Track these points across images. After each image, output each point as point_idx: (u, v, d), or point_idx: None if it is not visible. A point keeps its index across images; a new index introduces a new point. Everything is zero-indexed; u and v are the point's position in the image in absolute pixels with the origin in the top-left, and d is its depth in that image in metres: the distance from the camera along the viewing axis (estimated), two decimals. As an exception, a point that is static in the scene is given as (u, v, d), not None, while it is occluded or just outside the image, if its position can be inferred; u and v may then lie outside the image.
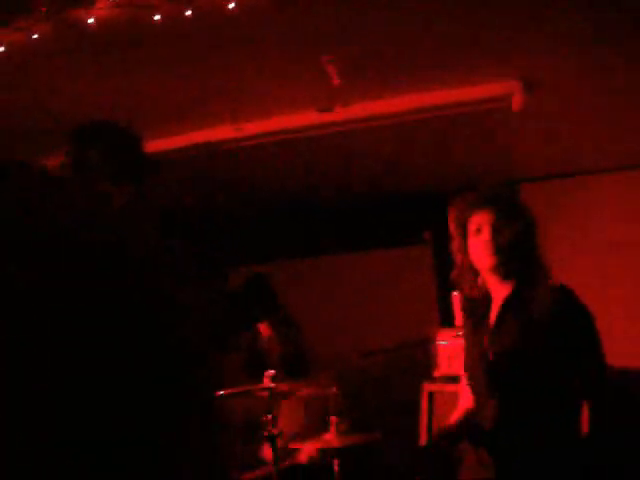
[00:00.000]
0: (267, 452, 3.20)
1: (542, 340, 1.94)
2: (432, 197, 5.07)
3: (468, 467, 2.03)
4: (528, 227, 2.08)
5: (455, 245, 2.17)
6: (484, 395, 2.04)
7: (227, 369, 4.03)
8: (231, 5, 2.43)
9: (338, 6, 2.57)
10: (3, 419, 1.21)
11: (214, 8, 2.45)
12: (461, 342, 3.96)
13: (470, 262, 2.11)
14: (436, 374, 3.97)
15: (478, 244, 2.06)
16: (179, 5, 2.43)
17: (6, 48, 2.59)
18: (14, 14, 2.44)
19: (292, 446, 3.28)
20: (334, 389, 3.24)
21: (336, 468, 3.11)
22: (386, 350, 4.32)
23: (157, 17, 2.47)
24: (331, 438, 3.08)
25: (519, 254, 2.04)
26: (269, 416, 3.04)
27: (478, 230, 2.07)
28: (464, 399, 2.24)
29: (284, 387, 3.19)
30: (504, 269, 2.04)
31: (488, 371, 2.00)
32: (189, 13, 2.45)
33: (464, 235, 2.13)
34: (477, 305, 2.16)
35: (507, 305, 2.04)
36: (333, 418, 3.10)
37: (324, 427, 3.14)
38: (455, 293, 4.24)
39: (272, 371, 3.12)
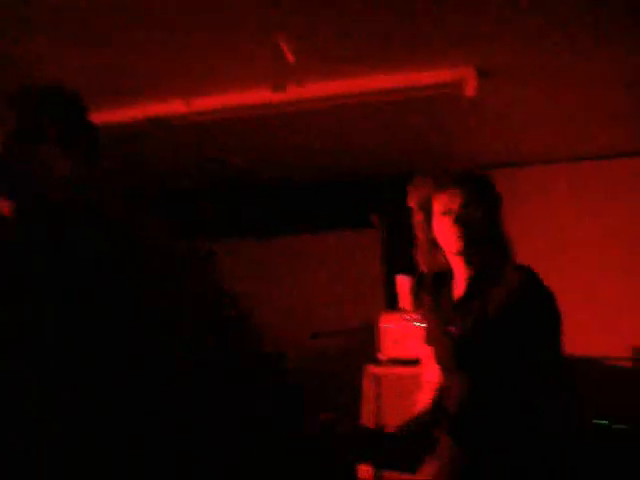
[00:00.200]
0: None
1: (507, 320, 1.94)
2: (382, 181, 5.11)
3: (445, 447, 2.04)
4: (496, 210, 2.08)
5: (417, 222, 2.14)
6: (450, 373, 2.04)
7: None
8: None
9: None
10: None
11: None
12: (406, 325, 4.03)
13: (432, 239, 2.10)
14: (380, 357, 4.00)
15: (445, 226, 2.04)
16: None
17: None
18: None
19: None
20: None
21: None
22: (333, 332, 4.33)
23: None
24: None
25: (486, 237, 2.04)
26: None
27: (445, 212, 2.04)
28: (428, 377, 2.21)
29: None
30: (470, 252, 2.03)
31: (454, 350, 2.00)
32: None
33: (428, 213, 2.10)
34: (438, 282, 2.14)
35: (472, 285, 2.04)
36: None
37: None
38: (399, 276, 4.27)
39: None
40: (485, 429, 1.95)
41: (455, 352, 2.00)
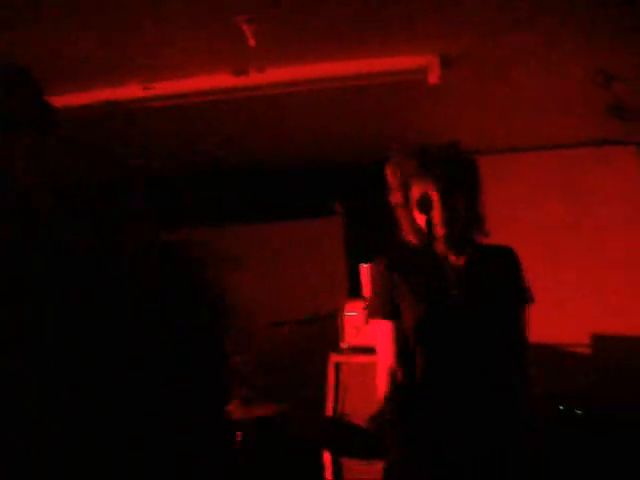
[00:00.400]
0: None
1: (494, 298, 2.02)
2: (345, 169, 5.09)
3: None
4: (477, 193, 2.09)
5: (397, 200, 2.12)
6: (427, 342, 2.02)
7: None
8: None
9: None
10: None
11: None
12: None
13: (413, 219, 2.08)
14: (343, 345, 3.99)
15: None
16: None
17: None
18: None
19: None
20: (238, 359, 3.19)
21: (239, 439, 3.08)
22: (295, 321, 4.31)
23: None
24: (234, 409, 3.04)
25: (467, 223, 2.04)
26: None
27: (425, 196, 2.03)
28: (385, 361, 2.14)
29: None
30: (452, 238, 2.03)
31: (443, 333, 1.98)
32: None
33: (406, 194, 2.08)
34: (417, 258, 2.11)
35: (456, 267, 2.05)
36: (237, 389, 3.06)
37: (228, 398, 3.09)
38: (363, 265, 4.27)
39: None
40: (469, 404, 1.93)
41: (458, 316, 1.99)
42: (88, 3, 2.70)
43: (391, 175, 2.14)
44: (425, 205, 2.00)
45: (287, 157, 5.01)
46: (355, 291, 4.34)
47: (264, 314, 4.50)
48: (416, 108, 4.11)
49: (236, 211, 5.22)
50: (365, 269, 4.19)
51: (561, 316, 4.52)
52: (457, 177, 2.04)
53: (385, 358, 2.07)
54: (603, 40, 3.20)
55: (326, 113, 4.14)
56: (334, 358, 3.94)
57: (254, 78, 3.33)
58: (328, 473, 3.62)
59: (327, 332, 4.12)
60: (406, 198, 2.09)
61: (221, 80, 3.39)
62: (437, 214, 2.00)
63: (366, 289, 4.20)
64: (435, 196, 1.99)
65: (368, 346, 3.81)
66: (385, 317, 2.09)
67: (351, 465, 3.45)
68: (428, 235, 2.02)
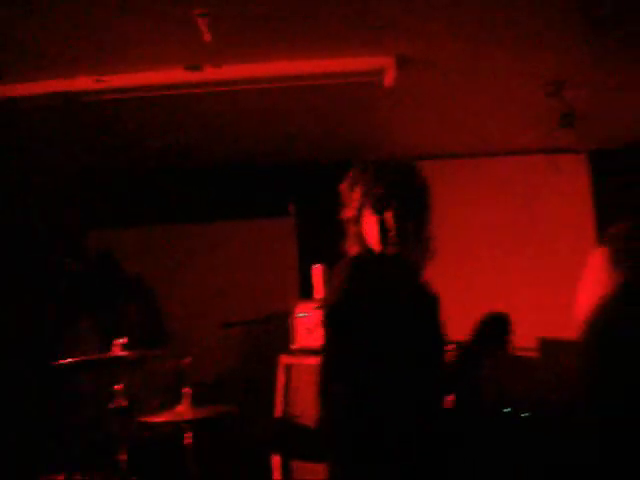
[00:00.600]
0: (116, 425, 3.04)
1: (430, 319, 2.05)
2: (298, 169, 5.07)
3: None
4: (426, 214, 2.10)
5: (349, 215, 2.11)
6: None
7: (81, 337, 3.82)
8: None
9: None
10: None
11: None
12: (320, 315, 4.00)
13: (361, 234, 2.08)
14: (293, 347, 3.96)
15: (376, 228, 2.03)
16: None
17: None
18: None
19: (143, 419, 3.13)
20: (188, 359, 3.14)
21: (188, 441, 3.02)
22: (246, 322, 4.26)
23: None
24: (184, 410, 2.98)
25: (414, 237, 2.05)
26: (118, 387, 2.89)
27: (376, 212, 2.03)
28: None
29: (133, 356, 3.02)
30: (398, 251, 2.03)
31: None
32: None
33: (360, 208, 2.08)
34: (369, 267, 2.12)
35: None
36: (187, 389, 3.00)
37: (178, 399, 3.03)
38: (315, 266, 4.25)
39: (123, 339, 2.96)
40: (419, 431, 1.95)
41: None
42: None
43: (346, 191, 2.14)
44: (381, 204, 2.01)
45: (241, 155, 4.96)
46: (307, 292, 4.32)
47: (215, 314, 4.45)
48: (372, 110, 4.12)
49: (187, 209, 5.15)
50: (317, 270, 4.18)
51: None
52: (411, 200, 2.06)
53: None
54: (552, 49, 3.26)
55: (282, 112, 4.11)
56: (284, 359, 3.90)
57: (208, 74, 3.29)
58: (277, 474, 3.59)
59: (278, 333, 4.09)
60: (359, 214, 2.09)
61: (174, 75, 3.33)
62: (390, 217, 2.01)
63: (318, 290, 4.18)
64: (389, 209, 2.02)
65: (319, 348, 3.79)
66: None
67: (300, 465, 3.43)
68: (381, 239, 2.03)
